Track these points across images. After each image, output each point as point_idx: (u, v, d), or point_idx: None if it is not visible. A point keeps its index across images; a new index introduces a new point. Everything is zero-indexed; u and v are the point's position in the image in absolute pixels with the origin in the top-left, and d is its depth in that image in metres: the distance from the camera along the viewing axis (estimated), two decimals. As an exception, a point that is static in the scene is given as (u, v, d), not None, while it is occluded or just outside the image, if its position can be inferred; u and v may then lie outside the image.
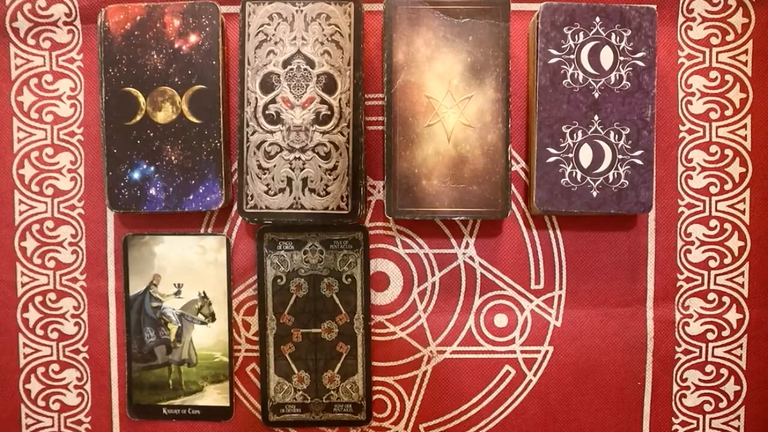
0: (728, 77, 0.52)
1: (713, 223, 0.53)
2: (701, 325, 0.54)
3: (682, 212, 0.53)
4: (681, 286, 0.54)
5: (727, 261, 0.53)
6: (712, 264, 0.53)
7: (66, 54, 0.53)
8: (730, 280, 0.53)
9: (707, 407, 0.54)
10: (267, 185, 0.50)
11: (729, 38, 0.52)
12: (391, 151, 0.49)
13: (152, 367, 0.53)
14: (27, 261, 0.53)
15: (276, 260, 0.52)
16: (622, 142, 0.49)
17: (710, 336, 0.54)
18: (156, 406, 0.54)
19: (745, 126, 0.53)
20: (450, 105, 0.49)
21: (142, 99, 0.50)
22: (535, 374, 0.54)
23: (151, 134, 0.50)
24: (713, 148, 0.53)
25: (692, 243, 0.53)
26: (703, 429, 0.54)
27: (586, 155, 0.49)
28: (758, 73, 0.52)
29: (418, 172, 0.49)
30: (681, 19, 0.52)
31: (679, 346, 0.54)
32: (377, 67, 0.52)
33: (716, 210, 0.53)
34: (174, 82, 0.50)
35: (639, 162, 0.49)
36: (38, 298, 0.54)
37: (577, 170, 0.49)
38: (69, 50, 0.53)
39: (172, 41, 0.50)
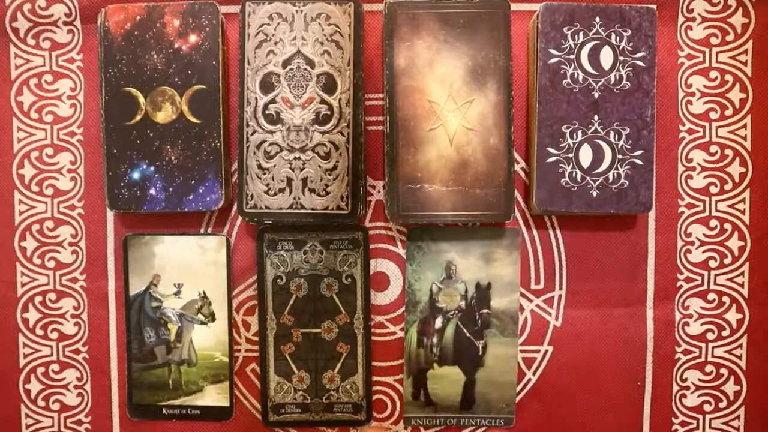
0: (728, 77, 0.52)
1: (713, 223, 0.53)
2: (701, 325, 0.54)
3: (682, 212, 0.53)
4: (681, 286, 0.54)
5: (727, 261, 0.53)
6: (712, 264, 0.53)
7: (66, 54, 0.53)
8: (730, 280, 0.53)
9: (707, 407, 0.54)
10: (267, 185, 0.50)
11: (729, 38, 0.52)
12: (393, 155, 0.49)
13: (152, 367, 0.53)
14: (27, 261, 0.53)
15: (276, 260, 0.52)
16: (622, 142, 0.49)
17: (710, 336, 0.54)
18: (156, 406, 0.54)
19: (745, 126, 0.53)
20: (452, 109, 0.49)
21: (142, 99, 0.50)
22: (534, 374, 0.54)
23: (151, 134, 0.50)
24: (713, 148, 0.53)
25: (692, 243, 0.53)
26: (703, 429, 0.54)
27: (586, 155, 0.49)
28: (758, 73, 0.52)
29: (420, 176, 0.49)
30: (681, 19, 0.52)
31: (679, 346, 0.54)
32: (377, 67, 0.52)
33: (716, 210, 0.53)
34: (174, 82, 0.50)
35: (639, 162, 0.49)
36: (38, 298, 0.54)
37: (577, 170, 0.49)
38: (69, 50, 0.53)
39: (172, 41, 0.50)
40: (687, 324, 0.54)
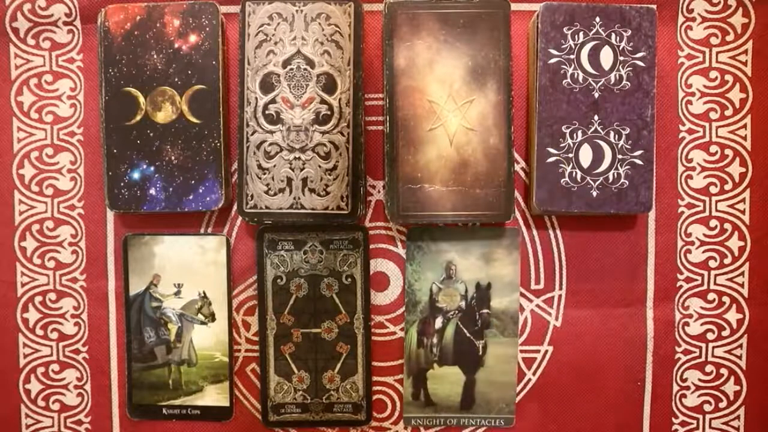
0: (728, 77, 0.52)
1: (713, 223, 0.53)
2: (701, 325, 0.54)
3: (682, 212, 0.53)
4: (681, 286, 0.54)
5: (727, 261, 0.53)
6: (712, 264, 0.53)
7: (66, 54, 0.53)
8: (730, 280, 0.53)
9: (707, 407, 0.54)
10: (267, 185, 0.50)
11: (729, 38, 0.52)
12: (393, 155, 0.49)
13: (152, 367, 0.53)
14: (27, 261, 0.53)
15: (276, 260, 0.52)
16: (622, 142, 0.49)
17: (710, 336, 0.54)
18: (156, 406, 0.54)
19: (745, 126, 0.53)
20: (452, 109, 0.49)
21: (142, 99, 0.50)
22: (534, 374, 0.54)
23: (151, 134, 0.50)
24: (713, 148, 0.53)
25: (692, 243, 0.53)
26: (703, 429, 0.54)
27: (586, 155, 0.49)
28: (758, 73, 0.52)
29: (420, 176, 0.49)
30: (681, 19, 0.52)
31: (679, 346, 0.54)
32: (377, 67, 0.52)
33: (716, 210, 0.53)
34: (174, 82, 0.50)
35: (639, 162, 0.49)
36: (38, 298, 0.54)
37: (577, 170, 0.49)
38: (69, 50, 0.53)
39: (172, 41, 0.50)
40: (687, 324, 0.54)
